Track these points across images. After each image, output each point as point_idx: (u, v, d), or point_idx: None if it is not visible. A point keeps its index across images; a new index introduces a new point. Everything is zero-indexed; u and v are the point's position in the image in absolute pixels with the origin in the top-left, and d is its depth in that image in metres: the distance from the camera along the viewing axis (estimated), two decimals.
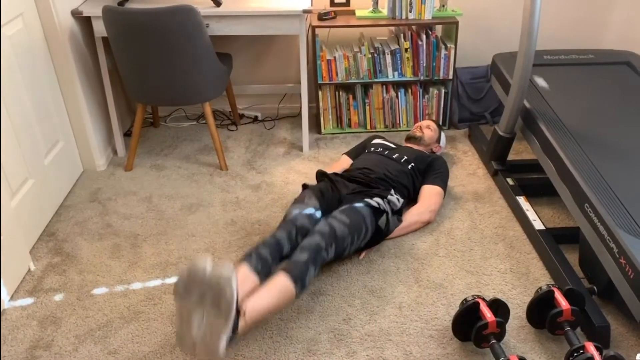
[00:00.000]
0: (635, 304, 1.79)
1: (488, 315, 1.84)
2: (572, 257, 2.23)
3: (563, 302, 1.88)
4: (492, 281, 2.21)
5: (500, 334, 1.86)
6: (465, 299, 1.92)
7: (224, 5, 2.78)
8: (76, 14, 2.70)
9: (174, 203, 2.71)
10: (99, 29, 2.75)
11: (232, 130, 3.38)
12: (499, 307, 1.92)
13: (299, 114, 3.51)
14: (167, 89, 2.73)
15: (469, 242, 2.41)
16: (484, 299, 1.91)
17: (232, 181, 2.88)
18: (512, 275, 2.23)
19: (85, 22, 2.82)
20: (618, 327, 1.98)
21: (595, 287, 2.06)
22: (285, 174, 2.93)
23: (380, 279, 2.22)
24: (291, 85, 3.52)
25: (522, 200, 2.55)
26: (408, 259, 2.32)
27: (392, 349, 1.93)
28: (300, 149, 3.17)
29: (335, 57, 3.11)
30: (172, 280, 2.24)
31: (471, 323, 1.87)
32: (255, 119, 3.51)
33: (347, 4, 3.19)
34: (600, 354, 1.71)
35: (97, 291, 2.19)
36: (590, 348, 1.72)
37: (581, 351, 1.73)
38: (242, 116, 3.52)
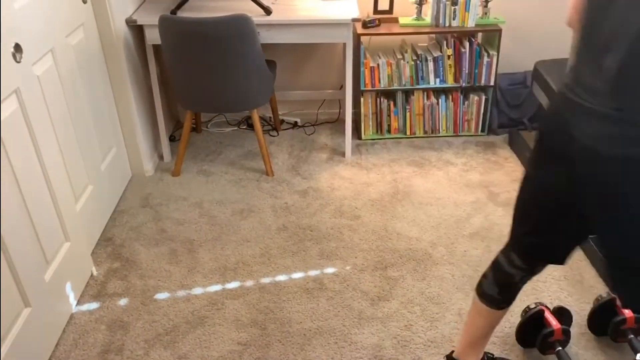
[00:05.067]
0: None
1: (553, 322, 1.88)
2: None
3: (625, 310, 1.91)
4: (548, 288, 2.24)
5: (565, 341, 1.90)
6: (528, 307, 1.95)
7: (274, 14, 2.82)
8: (130, 22, 2.75)
9: (224, 208, 2.75)
10: (151, 37, 2.80)
11: (274, 136, 3.43)
12: (563, 315, 1.96)
13: (338, 120, 3.55)
14: (219, 97, 2.78)
15: None
16: (547, 307, 1.94)
17: (279, 187, 2.92)
18: (567, 282, 2.26)
19: (136, 30, 2.87)
20: None
21: None
22: (330, 180, 2.97)
23: (437, 286, 2.26)
24: (330, 92, 3.56)
25: None
26: (462, 266, 2.36)
27: None
28: (343, 154, 3.21)
29: (378, 64, 3.14)
30: (233, 285, 2.29)
31: (535, 330, 1.90)
32: (295, 124, 3.55)
33: (390, 11, 3.22)
34: None
35: (160, 296, 2.24)
36: None
37: None
38: (282, 122, 3.56)
